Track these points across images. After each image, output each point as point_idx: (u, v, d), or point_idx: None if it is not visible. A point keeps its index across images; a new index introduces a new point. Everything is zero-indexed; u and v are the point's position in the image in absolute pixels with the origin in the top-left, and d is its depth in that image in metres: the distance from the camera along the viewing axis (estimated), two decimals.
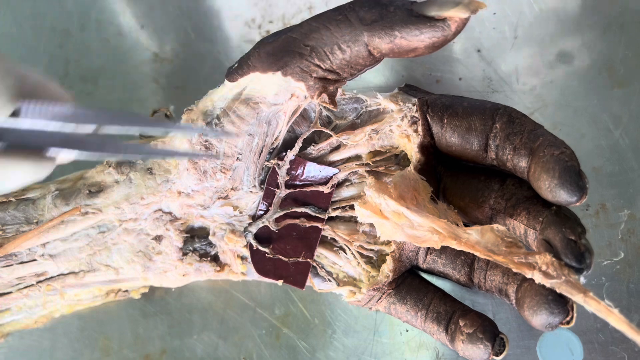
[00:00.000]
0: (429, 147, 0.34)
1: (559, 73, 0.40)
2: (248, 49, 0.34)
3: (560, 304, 0.29)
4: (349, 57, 0.30)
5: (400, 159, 0.36)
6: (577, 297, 0.27)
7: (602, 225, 0.38)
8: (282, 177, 0.36)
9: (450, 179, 0.35)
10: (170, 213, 0.36)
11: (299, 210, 0.37)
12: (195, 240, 0.37)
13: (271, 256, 0.37)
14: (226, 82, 0.34)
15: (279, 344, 0.41)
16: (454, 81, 0.41)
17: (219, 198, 0.36)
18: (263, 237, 0.37)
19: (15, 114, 0.25)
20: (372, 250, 0.37)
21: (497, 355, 0.31)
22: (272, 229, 0.36)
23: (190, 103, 0.45)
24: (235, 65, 0.33)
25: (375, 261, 0.37)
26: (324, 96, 0.32)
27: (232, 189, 0.36)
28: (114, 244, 0.37)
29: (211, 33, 0.45)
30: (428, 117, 0.34)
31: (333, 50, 0.30)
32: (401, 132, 0.35)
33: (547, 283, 0.28)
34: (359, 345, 0.40)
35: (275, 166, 0.36)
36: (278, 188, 0.36)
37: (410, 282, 0.36)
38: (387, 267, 0.35)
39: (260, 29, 0.45)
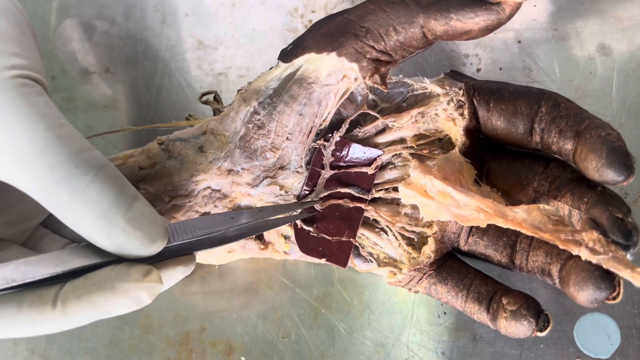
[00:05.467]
0: (474, 131, 0.35)
1: (598, 64, 0.41)
2: (291, 39, 0.35)
3: (606, 279, 0.29)
4: (403, 39, 0.32)
5: (444, 143, 0.37)
6: (624, 273, 0.28)
7: None
8: (327, 158, 0.37)
9: (494, 162, 0.36)
10: (219, 191, 0.37)
11: (342, 190, 0.38)
12: None
13: (315, 235, 0.38)
14: (280, 63, 0.35)
15: (317, 324, 0.42)
16: (494, 71, 0.42)
17: (266, 177, 0.37)
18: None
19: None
20: (413, 232, 0.37)
21: (541, 331, 0.32)
22: (316, 208, 0.37)
23: (233, 90, 0.46)
24: (290, 46, 0.34)
25: (416, 243, 0.38)
26: (376, 77, 0.33)
27: (279, 168, 0.37)
28: None
29: (254, 22, 0.47)
30: (475, 100, 0.35)
31: (388, 32, 0.32)
32: (447, 115, 0.36)
33: (594, 259, 0.29)
34: (397, 326, 0.41)
35: (321, 147, 0.37)
36: (323, 169, 0.38)
37: (451, 263, 0.37)
38: (429, 248, 0.36)
39: (302, 19, 0.46)
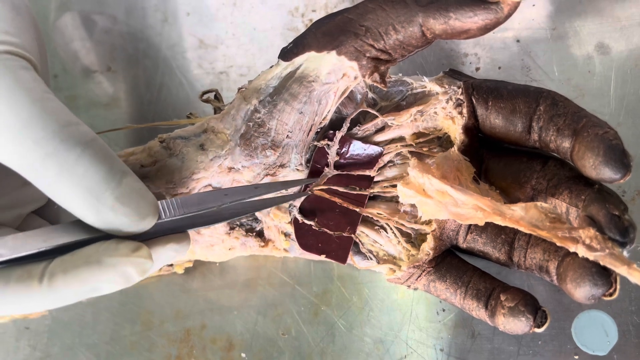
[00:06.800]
0: (472, 129, 0.36)
1: (596, 63, 0.41)
2: (292, 38, 0.36)
3: (603, 275, 0.30)
4: (403, 38, 0.32)
5: (443, 141, 0.38)
6: (621, 269, 0.28)
7: (638, 211, 0.39)
8: (332, 157, 0.38)
9: (493, 160, 0.36)
10: (219, 188, 0.38)
11: (341, 190, 0.38)
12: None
13: (316, 229, 0.38)
14: (280, 61, 0.35)
15: (317, 321, 0.42)
16: (493, 70, 0.42)
17: (266, 175, 0.37)
18: (307, 210, 0.38)
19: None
20: (412, 229, 0.38)
21: (538, 327, 0.32)
22: (309, 192, 0.38)
23: (234, 89, 0.47)
24: (290, 45, 0.35)
25: (415, 240, 0.38)
26: (375, 75, 0.34)
27: (280, 166, 0.37)
28: None
29: (255, 22, 0.47)
30: (473, 99, 0.35)
31: (387, 31, 0.32)
32: (446, 114, 0.36)
33: (591, 256, 0.29)
34: (396, 323, 0.41)
35: (325, 146, 0.38)
36: (324, 167, 0.38)
37: (449, 261, 0.37)
38: (428, 246, 0.36)
39: (303, 18, 0.46)
